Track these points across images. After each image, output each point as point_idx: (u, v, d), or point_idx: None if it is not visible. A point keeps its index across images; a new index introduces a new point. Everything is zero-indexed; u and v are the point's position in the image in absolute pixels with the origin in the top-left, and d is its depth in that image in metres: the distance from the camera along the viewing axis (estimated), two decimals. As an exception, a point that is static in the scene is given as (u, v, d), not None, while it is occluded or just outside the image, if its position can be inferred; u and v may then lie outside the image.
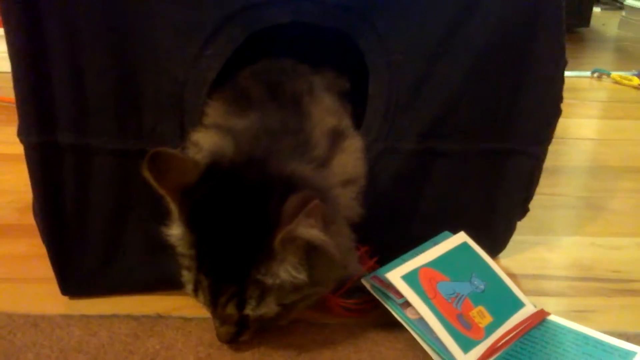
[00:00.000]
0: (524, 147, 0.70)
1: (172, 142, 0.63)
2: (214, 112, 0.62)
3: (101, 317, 0.65)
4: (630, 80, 1.62)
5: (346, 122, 0.63)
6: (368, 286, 0.61)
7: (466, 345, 0.56)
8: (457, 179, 0.70)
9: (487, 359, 0.55)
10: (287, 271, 0.51)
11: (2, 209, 0.91)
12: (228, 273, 0.52)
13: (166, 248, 0.59)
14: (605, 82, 1.65)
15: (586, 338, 0.58)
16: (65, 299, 0.70)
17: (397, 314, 0.59)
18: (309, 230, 0.49)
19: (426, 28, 0.64)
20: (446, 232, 0.69)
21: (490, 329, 0.59)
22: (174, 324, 0.63)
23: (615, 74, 1.65)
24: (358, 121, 0.68)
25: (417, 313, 0.58)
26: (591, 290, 0.74)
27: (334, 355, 0.59)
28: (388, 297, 0.60)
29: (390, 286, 0.60)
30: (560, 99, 0.70)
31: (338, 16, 0.63)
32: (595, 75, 1.67)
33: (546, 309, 0.65)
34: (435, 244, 0.66)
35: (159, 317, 0.65)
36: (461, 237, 0.67)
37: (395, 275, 0.60)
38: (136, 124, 0.63)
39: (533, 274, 0.77)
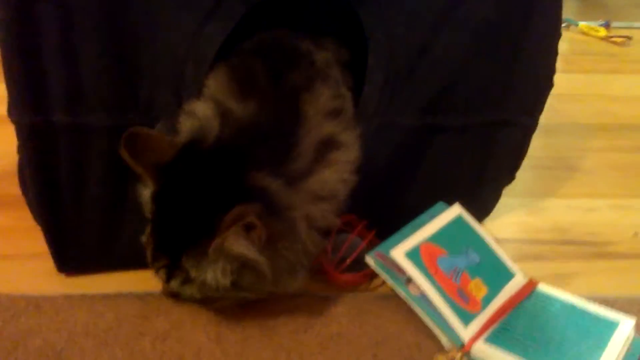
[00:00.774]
0: (516, 118, 0.72)
1: (169, 115, 0.61)
2: (217, 85, 0.60)
3: (104, 296, 0.65)
4: (597, 31, 1.64)
5: (344, 124, 0.61)
6: (371, 263, 0.63)
7: (466, 319, 0.60)
8: (452, 151, 0.72)
9: (485, 332, 0.59)
10: (213, 273, 0.53)
11: (-23, 178, 0.88)
12: (165, 248, 0.56)
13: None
14: (572, 32, 1.68)
15: (573, 308, 0.63)
16: (61, 276, 0.69)
17: (400, 290, 0.62)
18: (238, 247, 0.51)
19: (423, 12, 0.64)
20: (440, 203, 0.71)
21: (486, 301, 0.62)
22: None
23: (583, 24, 1.67)
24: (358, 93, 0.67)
25: (419, 289, 0.61)
26: (571, 254, 0.78)
27: (340, 330, 0.61)
28: (391, 274, 0.62)
29: (393, 263, 0.62)
30: (553, 71, 0.71)
31: None
32: (564, 25, 1.68)
33: (529, 274, 0.69)
34: (432, 216, 0.69)
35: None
36: (456, 210, 0.69)
37: (399, 252, 0.62)
38: (133, 99, 0.61)
39: (515, 238, 0.81)
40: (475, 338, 0.58)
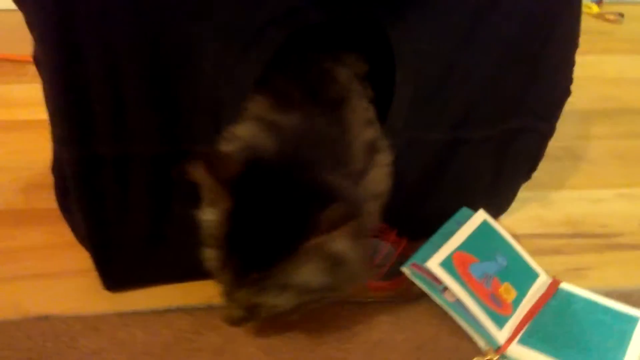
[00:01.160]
0: (535, 125, 0.76)
1: (209, 142, 0.63)
2: (255, 105, 0.62)
3: (154, 312, 0.68)
4: (589, 8, 1.66)
5: (378, 132, 0.65)
6: (408, 274, 0.67)
7: (500, 322, 0.64)
8: (475, 158, 0.75)
9: (518, 333, 0.64)
10: (309, 274, 0.56)
11: (3, 192, 0.89)
12: (255, 261, 0.55)
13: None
14: (565, 9, 1.69)
15: (595, 305, 0.68)
16: (107, 293, 0.71)
17: (437, 297, 0.66)
18: (342, 246, 0.54)
19: (453, 17, 0.65)
20: (464, 209, 0.75)
21: (516, 304, 0.67)
22: (227, 315, 0.68)
23: (575, 1, 1.68)
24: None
25: (455, 296, 0.65)
26: (583, 247, 0.83)
27: (382, 337, 0.66)
28: (427, 283, 0.66)
29: (428, 273, 0.66)
30: (571, 80, 0.74)
31: (371, 9, 0.63)
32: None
33: (546, 269, 0.74)
34: (458, 222, 0.73)
35: (210, 308, 0.69)
36: (481, 216, 0.74)
37: (434, 263, 0.66)
38: (173, 129, 0.62)
39: (530, 234, 0.85)
40: (510, 340, 0.63)
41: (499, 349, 0.63)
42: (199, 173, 0.55)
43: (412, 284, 0.69)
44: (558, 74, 0.73)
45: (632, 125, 1.14)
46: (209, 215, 0.58)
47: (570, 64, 0.73)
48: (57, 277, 0.74)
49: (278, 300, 0.57)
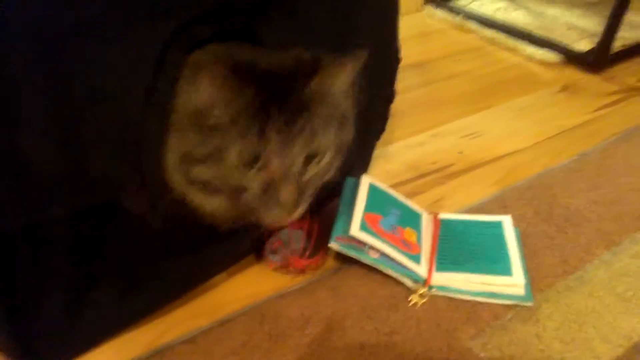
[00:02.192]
0: (382, 91, 0.88)
1: (128, 183, 0.60)
2: None
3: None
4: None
5: None
6: (335, 247, 0.74)
7: (417, 260, 0.76)
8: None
9: (433, 264, 0.77)
10: (338, 98, 0.65)
11: None
12: (293, 111, 0.59)
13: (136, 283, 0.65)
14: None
15: (469, 223, 0.84)
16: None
17: (364, 259, 0.74)
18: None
19: (315, 21, 0.72)
20: (349, 179, 0.85)
21: (419, 242, 0.80)
22: (184, 350, 0.66)
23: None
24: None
25: (377, 252, 0.74)
26: (430, 184, 1.00)
27: (331, 310, 0.71)
28: (353, 248, 0.74)
29: (351, 240, 0.74)
30: (399, 49, 0.88)
31: (247, 20, 0.66)
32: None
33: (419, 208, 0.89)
34: (352, 191, 0.82)
35: (158, 351, 0.66)
36: (366, 180, 0.84)
37: (355, 230, 0.74)
38: (86, 180, 0.57)
39: (390, 184, 0.99)
40: (430, 272, 0.75)
41: (425, 282, 0.74)
42: (216, 71, 0.56)
43: (333, 256, 0.76)
44: (394, 45, 0.86)
45: (414, 78, 1.37)
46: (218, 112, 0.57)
47: (397, 37, 0.87)
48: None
49: (322, 141, 0.61)
